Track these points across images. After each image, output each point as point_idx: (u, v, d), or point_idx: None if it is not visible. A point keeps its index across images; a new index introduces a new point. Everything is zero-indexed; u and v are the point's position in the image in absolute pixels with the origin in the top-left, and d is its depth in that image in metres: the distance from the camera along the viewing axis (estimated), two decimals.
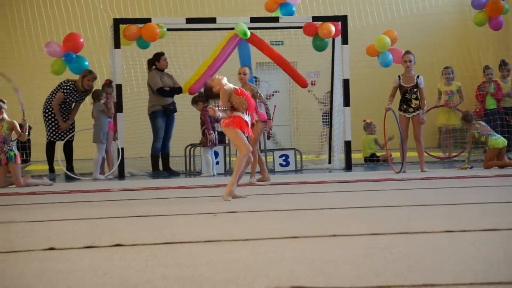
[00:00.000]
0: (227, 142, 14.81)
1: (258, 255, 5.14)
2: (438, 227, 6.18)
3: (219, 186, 11.40)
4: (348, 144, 14.97)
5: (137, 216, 7.67)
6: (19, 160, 12.62)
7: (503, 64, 16.40)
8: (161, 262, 5.00)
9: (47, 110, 14.58)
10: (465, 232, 5.89)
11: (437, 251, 5.13)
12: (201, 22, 15.55)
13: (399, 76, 13.43)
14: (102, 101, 14.16)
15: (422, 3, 21.71)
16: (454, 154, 16.59)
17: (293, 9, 15.69)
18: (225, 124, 9.27)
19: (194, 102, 14.38)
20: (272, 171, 14.60)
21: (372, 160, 16.56)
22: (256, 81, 15.76)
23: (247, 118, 9.29)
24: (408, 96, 13.31)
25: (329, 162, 15.73)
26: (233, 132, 9.23)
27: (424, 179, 11.76)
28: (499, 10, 15.64)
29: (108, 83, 14.65)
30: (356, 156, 16.51)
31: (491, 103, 15.97)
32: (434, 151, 17.77)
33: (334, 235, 5.91)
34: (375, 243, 5.52)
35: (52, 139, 14.64)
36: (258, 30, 15.27)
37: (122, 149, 14.40)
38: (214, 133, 14.08)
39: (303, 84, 14.89)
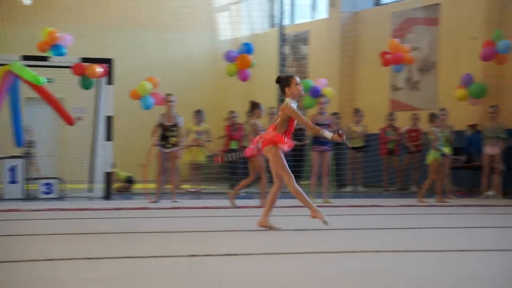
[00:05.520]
0: None
1: None
2: (183, 251, 6.60)
3: None
4: (108, 175, 15.19)
5: None
6: None
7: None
8: None
9: None
10: (208, 256, 6.36)
11: (181, 273, 5.55)
12: None
13: (162, 115, 13.91)
14: None
15: (182, 52, 22.46)
16: (202, 186, 17.28)
17: (63, 50, 15.76)
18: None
19: None
20: (36, 199, 14.49)
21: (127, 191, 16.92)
22: None
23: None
24: (168, 134, 13.79)
25: (90, 191, 15.82)
26: (276, 155, 8.47)
27: (176, 208, 12.23)
28: (247, 64, 16.54)
29: None
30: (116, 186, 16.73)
31: (234, 144, 16.85)
32: (185, 184, 18.32)
33: (87, 258, 6.16)
34: (129, 264, 5.85)
35: None
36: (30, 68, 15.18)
37: None
38: None
39: (69, 122, 15.05)
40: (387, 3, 21.09)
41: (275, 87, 20.44)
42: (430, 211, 12.25)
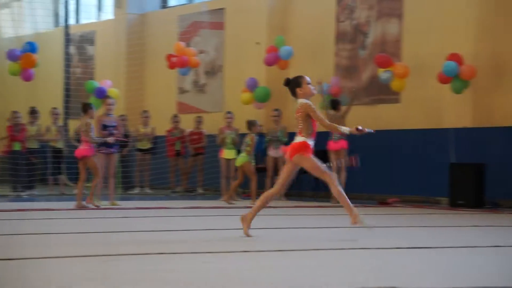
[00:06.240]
0: None
1: None
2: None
3: None
4: None
5: None
6: None
7: (32, 112, 16.72)
8: None
9: None
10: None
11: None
12: None
13: None
14: None
15: None
16: None
17: None
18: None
19: None
20: None
21: None
22: None
23: (311, 143, 8.05)
24: None
25: None
26: (310, 162, 8.00)
27: None
28: (32, 63, 16.00)
29: None
30: None
31: (17, 146, 16.22)
32: None
33: None
34: None
35: None
36: None
37: None
38: None
39: None
40: (173, 6, 21.19)
41: (60, 88, 20.19)
42: (218, 212, 12.42)
